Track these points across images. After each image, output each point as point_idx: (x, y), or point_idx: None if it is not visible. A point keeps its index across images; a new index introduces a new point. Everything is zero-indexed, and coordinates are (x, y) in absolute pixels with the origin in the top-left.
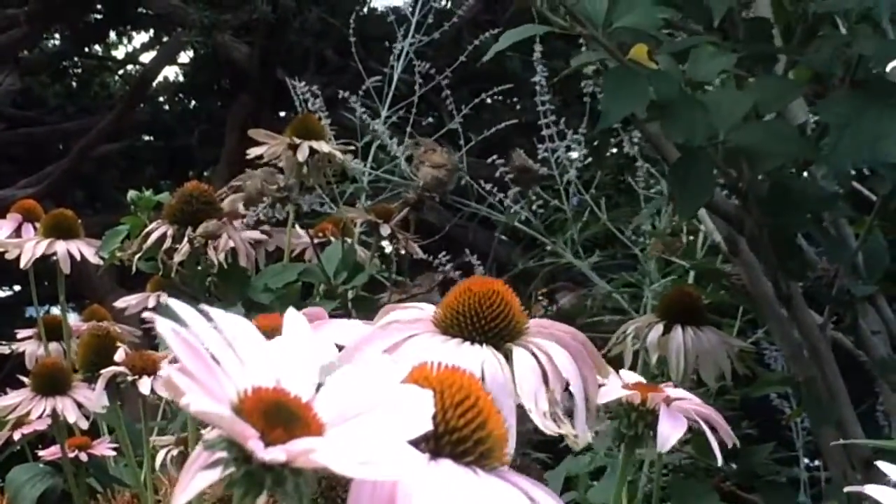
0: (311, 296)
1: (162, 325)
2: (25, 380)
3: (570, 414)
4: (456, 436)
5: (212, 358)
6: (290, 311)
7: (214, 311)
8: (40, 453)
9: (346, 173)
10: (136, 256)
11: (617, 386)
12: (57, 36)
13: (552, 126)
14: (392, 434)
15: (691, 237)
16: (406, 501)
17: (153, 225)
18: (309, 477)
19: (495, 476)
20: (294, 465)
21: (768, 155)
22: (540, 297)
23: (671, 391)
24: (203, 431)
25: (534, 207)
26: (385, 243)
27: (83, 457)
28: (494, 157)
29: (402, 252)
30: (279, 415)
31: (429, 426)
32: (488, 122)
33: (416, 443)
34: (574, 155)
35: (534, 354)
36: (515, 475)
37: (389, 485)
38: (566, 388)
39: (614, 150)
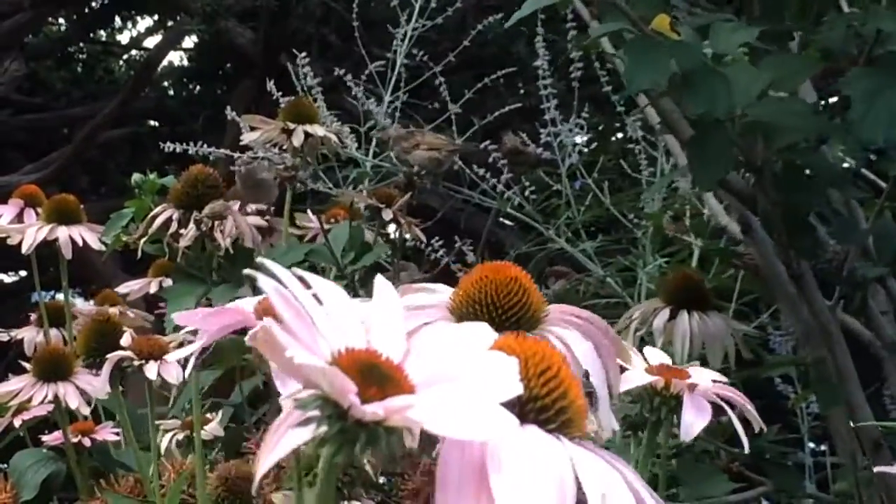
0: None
1: (265, 282)
2: (27, 365)
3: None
4: (540, 403)
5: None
6: (379, 278)
7: (309, 276)
8: (44, 438)
9: (345, 157)
10: (142, 240)
11: (640, 370)
12: (62, 21)
13: (555, 110)
14: (482, 397)
15: (692, 220)
16: (496, 463)
17: (159, 209)
18: (401, 436)
19: (578, 445)
20: (388, 424)
21: (784, 130)
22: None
23: (696, 371)
24: (209, 416)
25: (526, 193)
26: (391, 228)
27: (86, 442)
28: (487, 142)
29: (406, 236)
30: (373, 374)
31: (518, 389)
32: (493, 106)
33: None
34: (578, 140)
35: (552, 344)
36: (593, 446)
37: (479, 447)
38: (586, 378)
39: (619, 135)
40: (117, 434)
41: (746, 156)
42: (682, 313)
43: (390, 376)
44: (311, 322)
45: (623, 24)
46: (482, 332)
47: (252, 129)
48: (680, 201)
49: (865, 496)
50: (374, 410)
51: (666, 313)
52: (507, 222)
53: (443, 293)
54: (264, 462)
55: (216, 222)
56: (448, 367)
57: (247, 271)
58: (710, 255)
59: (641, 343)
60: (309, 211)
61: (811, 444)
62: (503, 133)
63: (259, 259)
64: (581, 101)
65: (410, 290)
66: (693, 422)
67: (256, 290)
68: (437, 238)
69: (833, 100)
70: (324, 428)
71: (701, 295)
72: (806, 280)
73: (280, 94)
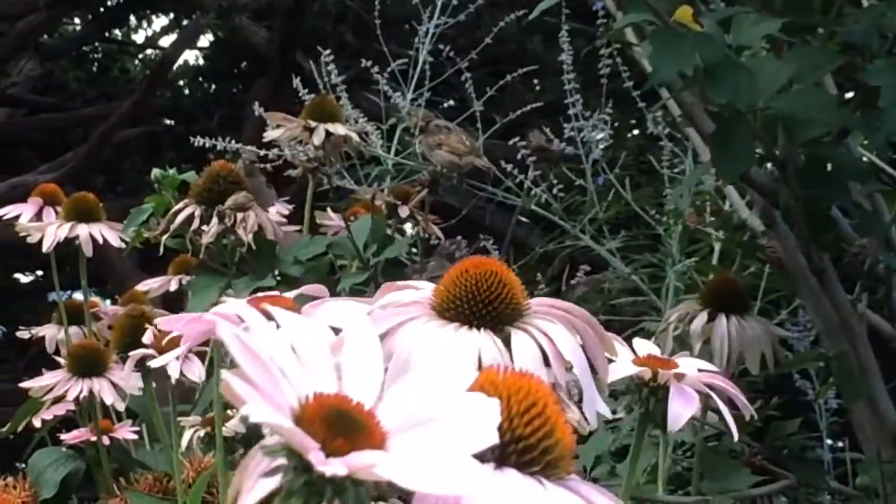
0: (341, 268)
1: (223, 330)
2: (61, 360)
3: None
4: (522, 444)
5: (272, 362)
6: (354, 314)
7: (277, 312)
8: (62, 437)
9: (368, 155)
10: (164, 237)
11: (627, 362)
12: (77, 21)
13: (578, 105)
14: (457, 445)
15: (714, 215)
16: None
17: (180, 205)
18: (370, 487)
19: (562, 486)
20: (355, 477)
21: (807, 123)
22: (538, 280)
23: (686, 362)
24: (230, 413)
25: (554, 191)
26: (408, 225)
27: (105, 440)
28: (516, 139)
29: (424, 234)
30: (341, 423)
31: (495, 439)
32: (510, 103)
33: (481, 453)
34: (600, 135)
35: (534, 338)
36: (582, 483)
37: (453, 498)
38: (570, 370)
39: (636, 131)
40: (136, 433)
41: (768, 149)
42: (720, 317)
43: (360, 424)
44: (273, 369)
45: (646, 16)
46: (463, 369)
47: (275, 126)
48: (702, 198)
49: (889, 489)
50: (335, 469)
51: (704, 316)
52: (523, 219)
53: (426, 290)
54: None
55: (238, 216)
56: (424, 411)
57: (207, 317)
58: (733, 251)
59: (681, 346)
60: (329, 209)
61: (829, 441)
62: (526, 130)
63: (223, 298)
64: (600, 97)
65: (393, 287)
66: (680, 412)
67: (280, 282)
68: (460, 236)
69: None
70: (290, 478)
71: (739, 298)
72: (828, 274)
73: (306, 91)
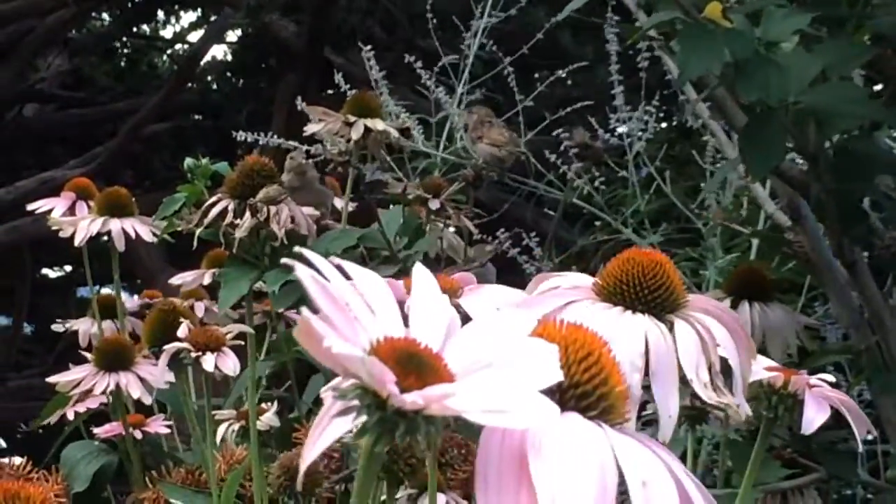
0: (372, 259)
1: (302, 271)
2: (88, 355)
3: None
4: (580, 390)
5: (346, 305)
6: (419, 267)
7: (349, 265)
8: (95, 430)
9: (410, 150)
10: (198, 230)
11: (759, 368)
12: (105, 16)
13: (620, 98)
14: (522, 385)
15: (744, 211)
16: (537, 450)
17: (214, 198)
18: (440, 425)
19: (619, 431)
20: (427, 413)
21: (838, 116)
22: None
23: (808, 376)
24: (264, 406)
25: (596, 183)
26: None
27: (137, 434)
28: (559, 131)
29: (460, 228)
30: (411, 363)
31: (559, 376)
32: (542, 98)
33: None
34: (643, 128)
35: (694, 327)
36: (636, 432)
37: (519, 434)
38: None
39: (674, 123)
40: (169, 427)
41: (799, 143)
42: (742, 304)
43: (429, 365)
44: (349, 312)
45: (676, 14)
46: (522, 319)
47: (317, 120)
48: (741, 193)
49: None
50: (413, 399)
51: (727, 304)
52: (549, 212)
53: (584, 277)
54: (309, 453)
55: (271, 210)
56: (488, 355)
57: (285, 260)
58: (764, 245)
59: None
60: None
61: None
62: (561, 126)
63: (297, 248)
64: (632, 92)
65: (549, 276)
66: (814, 417)
67: None
68: (503, 231)
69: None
70: (363, 417)
71: (762, 286)
72: (859, 267)
73: (348, 86)
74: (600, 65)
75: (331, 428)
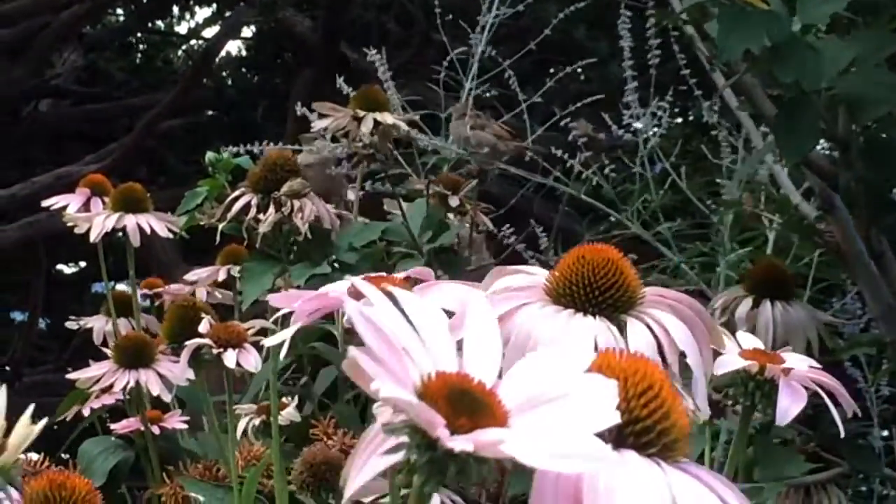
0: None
1: (351, 307)
2: (108, 352)
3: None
4: (640, 426)
5: (396, 339)
6: (476, 296)
7: (399, 293)
8: (112, 426)
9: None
10: (221, 225)
11: (734, 354)
12: (120, 11)
13: (634, 93)
14: (578, 425)
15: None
16: (593, 495)
17: (237, 193)
18: (492, 465)
19: (679, 469)
20: (479, 455)
21: (872, 103)
22: None
23: (790, 356)
24: (285, 400)
25: (606, 171)
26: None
27: (155, 430)
28: (568, 120)
29: (474, 223)
30: (464, 401)
31: (616, 419)
32: (556, 93)
33: (599, 434)
34: (655, 124)
35: (648, 326)
36: (697, 468)
37: (574, 477)
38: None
39: (685, 118)
40: (186, 423)
41: (830, 130)
42: (764, 302)
43: (482, 403)
44: (399, 347)
45: None
46: (581, 351)
47: (322, 116)
48: (757, 186)
49: None
50: (462, 445)
51: (748, 302)
52: (567, 210)
53: (539, 275)
54: (353, 483)
55: (295, 205)
56: (543, 391)
57: (333, 295)
58: (789, 236)
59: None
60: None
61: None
62: (574, 120)
63: (350, 277)
64: (645, 88)
65: (506, 272)
66: (789, 406)
67: (335, 269)
68: (508, 226)
69: None
70: (414, 456)
71: (784, 284)
72: (887, 258)
73: (366, 85)
74: (614, 60)
75: (376, 461)
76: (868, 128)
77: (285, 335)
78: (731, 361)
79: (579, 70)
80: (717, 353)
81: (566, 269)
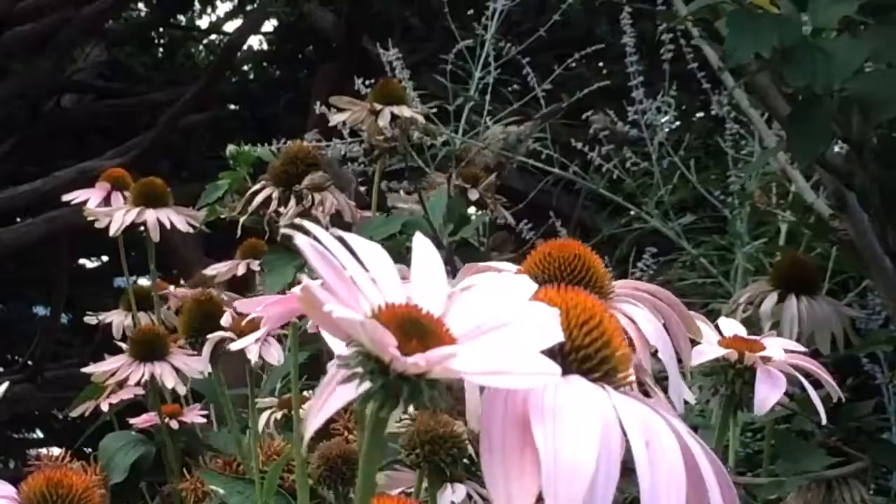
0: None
1: (301, 240)
2: (123, 345)
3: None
4: (582, 353)
5: (346, 273)
6: (418, 236)
7: (350, 236)
8: (132, 421)
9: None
10: (242, 218)
11: (713, 343)
12: (142, 6)
13: (641, 87)
14: (524, 347)
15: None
16: (539, 413)
17: (258, 186)
18: (443, 389)
19: (622, 393)
20: (430, 377)
21: (884, 104)
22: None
23: (772, 343)
24: (306, 394)
25: (627, 165)
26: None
27: (174, 424)
28: (588, 113)
29: (493, 216)
30: (413, 328)
31: (560, 337)
32: (575, 86)
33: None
34: (665, 118)
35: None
36: (639, 395)
37: (521, 397)
38: (654, 354)
39: (701, 114)
40: (205, 417)
41: (844, 131)
42: (790, 297)
43: (430, 329)
44: (349, 279)
45: None
46: (523, 283)
47: (339, 110)
48: (769, 179)
49: None
50: (415, 362)
51: (774, 297)
52: (588, 203)
53: (508, 271)
54: (312, 421)
55: (316, 198)
56: (489, 319)
57: (284, 230)
58: (802, 232)
59: (750, 328)
60: (402, 191)
61: None
62: (591, 112)
63: (298, 220)
64: (663, 81)
65: (474, 269)
66: (768, 395)
67: None
68: (526, 221)
69: None
70: (367, 384)
71: (810, 279)
72: None
73: (374, 80)
74: (636, 53)
75: (334, 396)
76: (881, 128)
77: (248, 340)
78: (708, 351)
79: (601, 64)
80: (695, 344)
81: (533, 267)
